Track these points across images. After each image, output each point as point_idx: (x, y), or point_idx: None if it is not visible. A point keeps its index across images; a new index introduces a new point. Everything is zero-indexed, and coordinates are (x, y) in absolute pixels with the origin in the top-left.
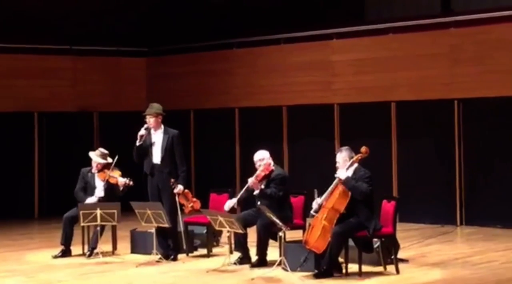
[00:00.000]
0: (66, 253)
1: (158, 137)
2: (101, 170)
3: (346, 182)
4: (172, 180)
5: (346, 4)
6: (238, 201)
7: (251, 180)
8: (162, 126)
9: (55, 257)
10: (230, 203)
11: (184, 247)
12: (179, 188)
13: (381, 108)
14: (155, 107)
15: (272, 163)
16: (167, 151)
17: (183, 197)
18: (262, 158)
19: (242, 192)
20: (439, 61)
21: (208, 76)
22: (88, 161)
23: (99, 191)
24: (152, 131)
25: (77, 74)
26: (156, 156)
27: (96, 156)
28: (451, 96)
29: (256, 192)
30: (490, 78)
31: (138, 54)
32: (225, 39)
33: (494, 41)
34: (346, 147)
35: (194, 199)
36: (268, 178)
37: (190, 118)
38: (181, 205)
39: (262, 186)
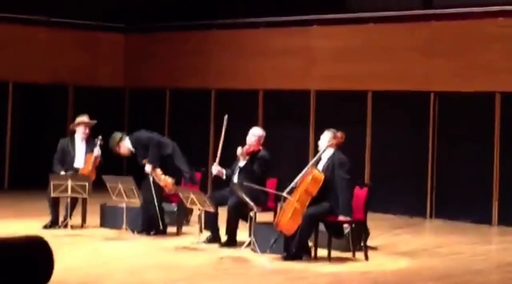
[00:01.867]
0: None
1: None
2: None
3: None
4: (144, 160)
5: None
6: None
7: (240, 149)
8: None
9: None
10: (215, 167)
11: (161, 227)
12: (147, 168)
13: (357, 96)
14: (113, 136)
15: (260, 145)
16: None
17: (155, 177)
18: (257, 134)
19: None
20: (417, 53)
21: (186, 56)
22: (62, 133)
23: (79, 161)
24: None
25: (54, 46)
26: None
27: (86, 118)
28: (427, 89)
29: (242, 163)
30: (466, 72)
31: (116, 30)
32: (206, 20)
33: (473, 36)
34: (333, 129)
35: (163, 177)
36: (252, 156)
37: (166, 97)
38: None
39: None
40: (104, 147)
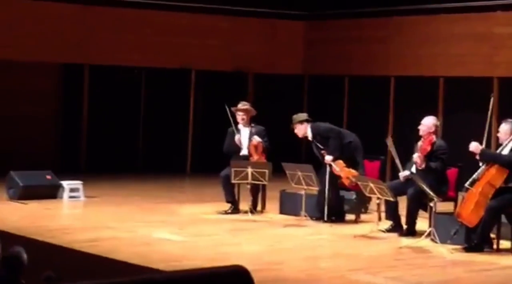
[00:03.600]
0: (234, 210)
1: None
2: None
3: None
4: (323, 151)
5: None
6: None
7: (416, 156)
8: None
9: (225, 213)
10: (401, 175)
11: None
12: (328, 158)
13: None
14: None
15: (434, 134)
16: None
17: (335, 167)
18: (425, 124)
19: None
20: None
21: (365, 43)
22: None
23: (244, 149)
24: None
25: (234, 34)
26: None
27: (240, 105)
28: None
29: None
30: None
31: (296, 17)
32: (385, 7)
33: None
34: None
35: (347, 170)
36: (430, 154)
37: (344, 84)
38: (339, 177)
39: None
40: (273, 135)
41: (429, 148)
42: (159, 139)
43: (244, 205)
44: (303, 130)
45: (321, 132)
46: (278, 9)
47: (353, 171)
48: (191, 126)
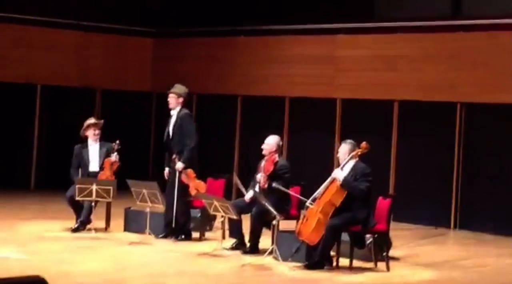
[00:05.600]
0: (81, 226)
1: (173, 119)
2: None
3: (344, 184)
4: (173, 156)
5: (356, 0)
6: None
7: (259, 176)
8: (178, 108)
9: (72, 230)
10: (247, 197)
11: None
12: (177, 165)
13: (383, 106)
14: (178, 87)
15: (277, 153)
16: (175, 130)
17: (185, 176)
18: (269, 144)
19: (254, 188)
20: (444, 63)
21: (213, 62)
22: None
23: (94, 165)
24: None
25: (82, 50)
26: (168, 135)
27: (91, 119)
28: (453, 99)
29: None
30: (493, 83)
31: (145, 34)
32: (233, 26)
33: (501, 46)
34: (351, 140)
35: (197, 181)
36: (273, 174)
37: (192, 102)
38: (186, 186)
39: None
40: (122, 151)
41: (271, 168)
42: (2, 154)
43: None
44: (175, 103)
45: (184, 126)
46: (127, 25)
47: (202, 183)
48: (36, 141)
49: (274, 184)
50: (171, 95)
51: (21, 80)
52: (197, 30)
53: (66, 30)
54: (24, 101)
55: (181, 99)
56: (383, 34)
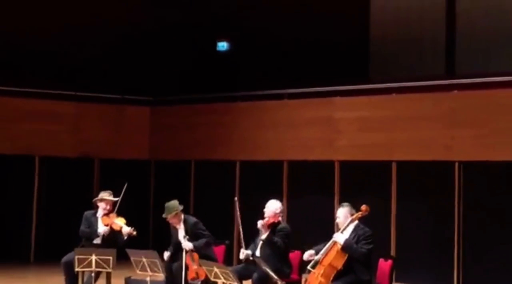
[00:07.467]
0: None
1: (181, 232)
2: (107, 215)
3: (345, 248)
4: (186, 236)
5: (351, 63)
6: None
7: (260, 222)
8: (182, 221)
9: None
10: (242, 252)
11: None
12: (188, 244)
13: (382, 167)
14: (169, 207)
15: (280, 215)
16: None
17: (190, 257)
18: (273, 207)
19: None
20: (441, 123)
21: (211, 128)
22: (88, 206)
23: (98, 238)
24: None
25: (80, 120)
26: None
27: (108, 195)
28: (452, 158)
29: (264, 236)
30: (491, 141)
31: (142, 103)
32: (230, 92)
33: (496, 105)
34: (347, 203)
35: (200, 268)
36: (273, 228)
37: (191, 168)
38: (187, 267)
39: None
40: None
41: (272, 220)
42: (1, 227)
43: None
44: (178, 221)
45: (193, 228)
46: (124, 95)
47: (203, 270)
48: (35, 213)
49: (275, 239)
50: (169, 217)
51: (20, 152)
52: (193, 97)
53: (64, 101)
54: (23, 173)
55: (180, 213)
56: (379, 95)
